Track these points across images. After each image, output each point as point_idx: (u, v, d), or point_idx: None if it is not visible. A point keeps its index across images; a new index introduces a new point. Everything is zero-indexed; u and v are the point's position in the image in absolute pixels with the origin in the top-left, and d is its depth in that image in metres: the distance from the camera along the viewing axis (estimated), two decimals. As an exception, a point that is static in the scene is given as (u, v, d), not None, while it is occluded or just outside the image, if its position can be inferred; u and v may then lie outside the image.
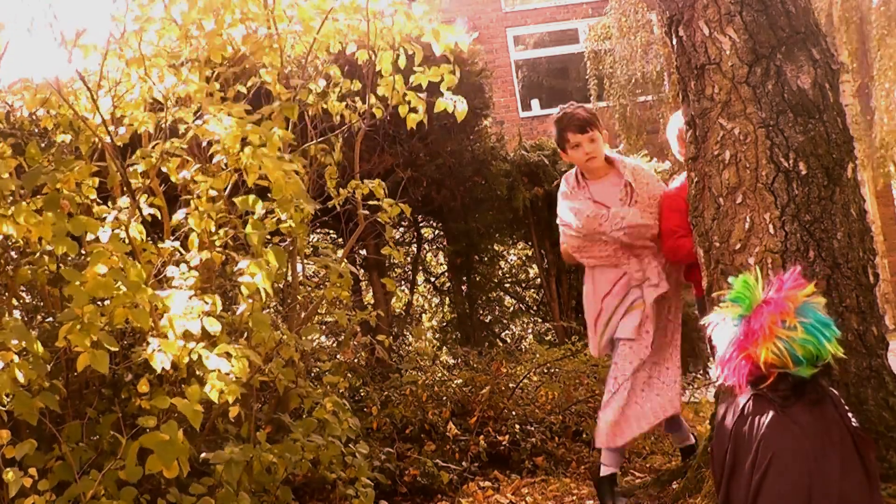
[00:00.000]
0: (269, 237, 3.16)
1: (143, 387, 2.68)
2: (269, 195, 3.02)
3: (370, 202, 3.85)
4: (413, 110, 3.74)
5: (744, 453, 2.28)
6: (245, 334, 3.02)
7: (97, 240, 2.64)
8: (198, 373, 2.67)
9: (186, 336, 2.64)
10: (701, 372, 6.85)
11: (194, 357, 2.60)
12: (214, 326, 2.68)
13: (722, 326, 2.40)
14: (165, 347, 2.56)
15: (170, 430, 2.49)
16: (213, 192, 3.13)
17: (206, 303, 2.72)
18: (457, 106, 3.67)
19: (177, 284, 2.77)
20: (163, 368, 2.58)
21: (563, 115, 3.60)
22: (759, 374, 2.30)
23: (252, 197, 2.99)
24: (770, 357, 2.25)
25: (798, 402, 2.25)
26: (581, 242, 3.57)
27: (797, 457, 2.19)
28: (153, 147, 3.08)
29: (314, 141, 3.72)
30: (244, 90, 3.60)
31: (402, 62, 3.65)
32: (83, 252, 2.80)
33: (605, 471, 3.55)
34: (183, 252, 3.10)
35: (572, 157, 3.60)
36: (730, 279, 2.45)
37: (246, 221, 3.01)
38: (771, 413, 2.26)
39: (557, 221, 3.73)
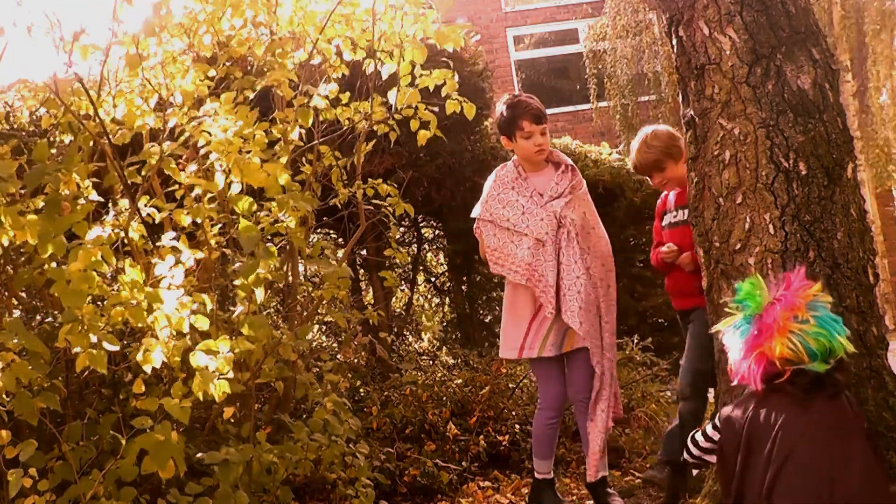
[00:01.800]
0: (269, 238, 3.15)
1: (139, 387, 2.67)
2: (264, 195, 3.02)
3: (373, 202, 3.85)
4: (424, 125, 3.68)
5: (759, 446, 2.26)
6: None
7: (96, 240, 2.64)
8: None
9: (179, 335, 2.63)
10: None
11: (182, 355, 2.59)
12: (203, 324, 2.66)
13: (732, 331, 2.40)
14: (154, 346, 2.55)
15: (163, 430, 2.49)
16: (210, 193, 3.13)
17: (195, 302, 2.70)
18: (463, 107, 3.67)
19: (165, 284, 2.75)
20: (153, 368, 2.57)
21: (518, 101, 3.39)
22: (773, 371, 2.29)
23: (246, 198, 2.97)
24: (785, 351, 2.25)
25: (817, 396, 2.25)
26: (501, 244, 3.41)
27: (818, 449, 2.19)
28: (150, 148, 3.08)
29: (317, 141, 3.72)
30: (249, 94, 3.59)
31: (405, 68, 3.63)
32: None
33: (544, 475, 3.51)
34: (180, 250, 3.09)
35: (521, 145, 3.39)
36: (736, 284, 2.45)
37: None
38: (789, 406, 2.25)
39: (479, 217, 3.53)
